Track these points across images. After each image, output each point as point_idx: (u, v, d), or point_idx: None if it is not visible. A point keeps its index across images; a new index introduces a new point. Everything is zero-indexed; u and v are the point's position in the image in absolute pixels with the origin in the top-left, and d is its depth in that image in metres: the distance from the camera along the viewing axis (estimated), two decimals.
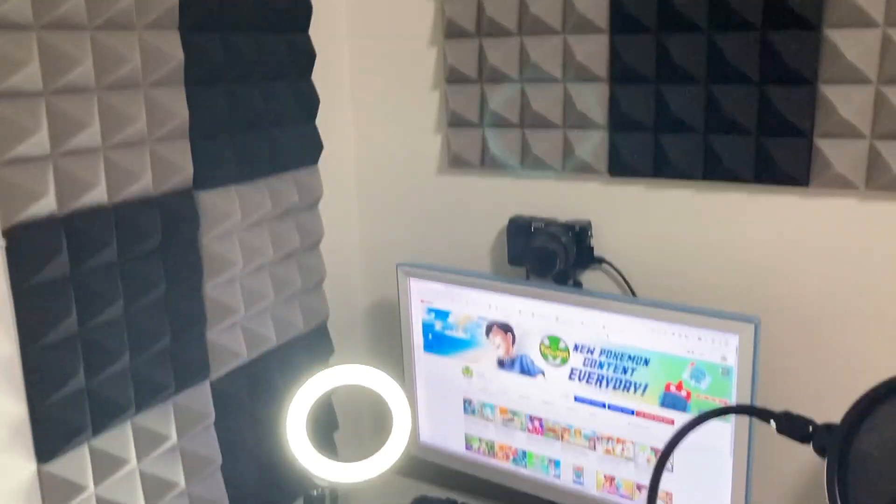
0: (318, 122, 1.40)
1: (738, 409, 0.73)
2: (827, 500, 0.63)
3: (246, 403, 1.30)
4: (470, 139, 1.42)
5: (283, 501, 1.38)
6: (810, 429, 0.66)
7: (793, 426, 0.67)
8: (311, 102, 1.38)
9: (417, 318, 1.40)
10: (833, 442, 0.64)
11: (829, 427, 0.64)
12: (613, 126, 1.29)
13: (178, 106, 1.12)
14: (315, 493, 1.28)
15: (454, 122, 1.43)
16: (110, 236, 1.04)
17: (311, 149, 1.39)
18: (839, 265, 1.18)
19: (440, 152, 1.49)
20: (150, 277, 1.11)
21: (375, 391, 1.28)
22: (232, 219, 1.22)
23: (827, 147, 1.14)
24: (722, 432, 1.14)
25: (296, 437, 1.23)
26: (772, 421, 0.69)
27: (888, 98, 1.08)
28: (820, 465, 1.24)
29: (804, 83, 1.13)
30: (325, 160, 1.42)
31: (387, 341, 1.62)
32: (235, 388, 1.27)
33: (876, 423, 0.63)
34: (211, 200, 1.19)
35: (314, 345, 1.45)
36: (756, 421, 1.13)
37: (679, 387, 1.17)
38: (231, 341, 1.26)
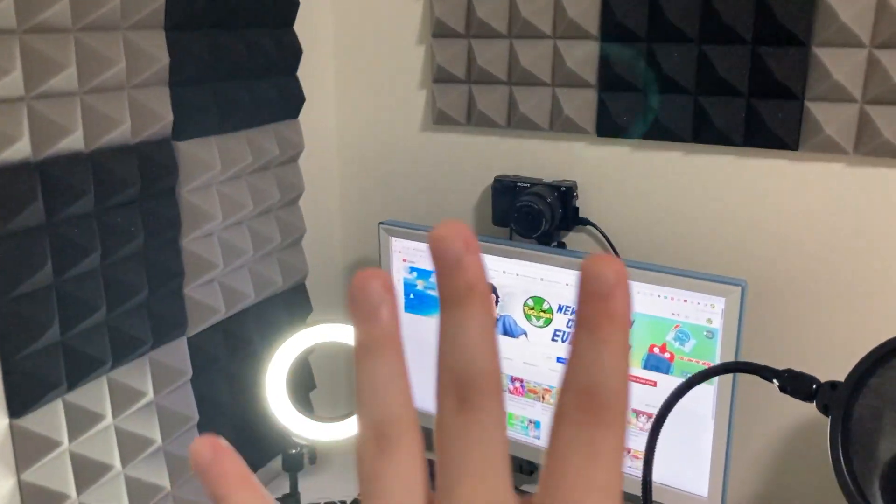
0: (300, 74, 1.36)
1: (741, 367, 0.73)
2: (830, 458, 0.63)
3: (223, 360, 1.27)
4: (456, 95, 1.39)
5: (260, 460, 1.36)
6: (814, 387, 0.66)
7: (796, 384, 0.67)
8: (293, 54, 1.34)
9: (399, 277, 1.38)
10: (837, 400, 0.63)
11: (833, 385, 0.64)
12: (603, 85, 1.27)
13: (158, 50, 1.08)
14: (293, 451, 1.26)
15: (440, 77, 1.39)
16: (87, 185, 1.00)
17: (292, 101, 1.36)
18: (827, 230, 1.18)
19: (425, 108, 1.46)
20: (128, 229, 1.07)
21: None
22: (211, 170, 1.19)
23: (818, 111, 1.13)
24: (705, 395, 1.15)
25: (274, 396, 1.21)
26: (774, 380, 0.68)
27: (881, 62, 1.08)
28: (798, 426, 1.26)
29: (798, 45, 1.12)
30: (306, 114, 1.39)
31: None
32: (213, 345, 1.25)
33: (881, 381, 0.63)
34: (190, 151, 1.15)
35: (293, 303, 1.42)
36: (738, 383, 1.14)
37: (663, 349, 1.17)
38: (209, 297, 1.23)
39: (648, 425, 1.21)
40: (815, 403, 0.65)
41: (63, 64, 0.95)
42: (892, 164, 1.12)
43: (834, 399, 0.63)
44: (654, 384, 1.20)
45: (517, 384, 1.32)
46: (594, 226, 1.34)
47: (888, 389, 0.64)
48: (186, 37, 1.12)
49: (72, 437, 1.03)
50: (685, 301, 1.14)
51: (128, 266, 1.08)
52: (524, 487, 1.34)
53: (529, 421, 1.33)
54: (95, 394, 1.06)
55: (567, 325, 1.24)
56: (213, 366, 1.25)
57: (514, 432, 1.35)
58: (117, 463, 1.10)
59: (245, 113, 1.25)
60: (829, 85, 1.11)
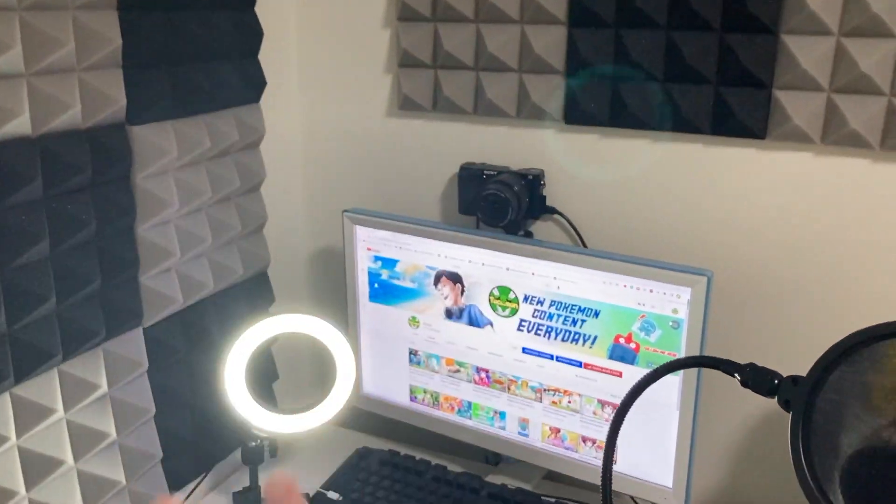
0: (262, 58, 1.33)
1: (702, 361, 0.71)
2: (790, 454, 0.62)
3: (181, 352, 1.24)
4: (422, 81, 1.36)
5: (220, 453, 1.33)
6: (775, 382, 0.65)
7: (757, 379, 0.66)
8: (253, 36, 1.30)
9: (363, 266, 1.35)
10: (798, 395, 0.62)
11: (795, 380, 0.63)
12: (570, 72, 1.25)
13: (110, 31, 1.04)
14: (253, 444, 1.24)
15: (406, 62, 1.37)
16: (35, 171, 0.96)
17: (252, 85, 1.32)
18: (794, 220, 1.18)
19: (390, 94, 1.43)
20: (79, 216, 1.03)
21: (317, 341, 1.24)
22: (167, 156, 1.15)
23: (785, 99, 1.12)
24: (670, 385, 1.14)
25: (234, 388, 1.18)
26: (736, 374, 0.67)
27: (848, 50, 1.07)
28: (763, 418, 1.26)
29: (766, 32, 1.11)
30: (267, 98, 1.35)
31: (330, 290, 1.58)
32: (170, 336, 1.21)
33: (843, 376, 0.61)
34: (145, 136, 1.12)
35: (254, 292, 1.39)
36: (704, 375, 1.13)
37: (628, 339, 1.16)
38: (165, 286, 1.19)
39: (611, 415, 1.20)
40: (776, 398, 0.64)
41: (7, 44, 0.91)
42: (859, 154, 1.12)
43: (795, 394, 0.62)
44: (620, 375, 1.18)
45: (482, 375, 1.30)
46: (561, 214, 1.32)
47: (850, 385, 0.62)
48: (140, 17, 1.08)
49: (20, 432, 1.00)
50: (651, 291, 1.12)
51: (79, 255, 1.05)
52: (489, 478, 1.33)
53: (494, 412, 1.31)
54: (45, 387, 1.03)
55: (532, 315, 1.22)
56: (170, 357, 1.22)
57: (479, 423, 1.33)
58: (69, 458, 1.06)
59: (203, 97, 1.21)
60: (797, 73, 1.10)
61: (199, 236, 1.24)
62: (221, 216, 1.29)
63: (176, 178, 1.18)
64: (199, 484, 1.30)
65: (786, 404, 0.63)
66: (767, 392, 0.65)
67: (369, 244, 1.34)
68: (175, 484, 1.25)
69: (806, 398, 0.61)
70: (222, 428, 1.30)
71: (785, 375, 0.66)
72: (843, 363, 0.62)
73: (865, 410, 0.63)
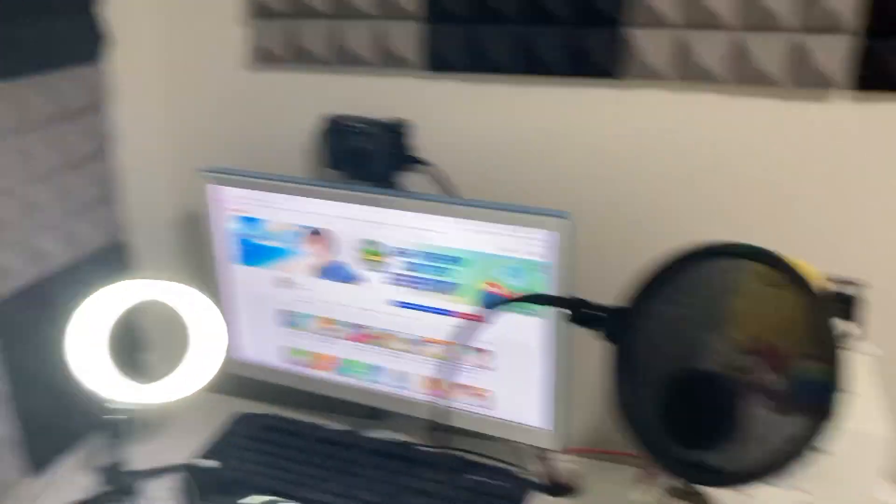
0: (111, 11, 1.25)
1: (531, 299, 0.71)
2: (614, 384, 0.62)
3: (33, 327, 1.17)
4: (277, 31, 1.31)
5: (85, 430, 1.28)
6: (602, 314, 0.64)
7: (586, 314, 0.65)
8: None
9: (227, 227, 1.30)
10: (619, 327, 0.62)
11: (617, 311, 0.63)
12: (428, 16, 1.22)
13: None
14: (112, 417, 1.18)
15: (260, 13, 1.31)
16: None
17: (94, 41, 1.24)
18: (653, 157, 1.18)
19: (247, 46, 1.37)
20: None
21: (172, 307, 1.19)
22: None
23: (638, 37, 1.12)
24: (529, 327, 1.14)
25: (82, 359, 1.12)
26: (564, 308, 0.67)
27: None
28: None
29: None
30: (120, 55, 1.27)
31: (197, 255, 1.52)
32: (18, 311, 1.15)
33: (668, 302, 0.61)
34: None
35: (111, 262, 1.33)
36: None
37: (496, 285, 1.15)
38: (7, 260, 1.12)
39: (485, 361, 1.20)
40: (602, 333, 0.64)
41: None
42: (712, 90, 1.13)
43: (616, 327, 0.62)
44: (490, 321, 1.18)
45: (357, 331, 1.28)
46: (428, 164, 1.30)
47: (673, 311, 0.62)
48: None
49: None
50: (513, 236, 1.11)
51: None
52: (372, 433, 1.31)
53: (371, 367, 1.29)
54: None
55: (402, 268, 1.20)
56: (20, 334, 1.15)
57: (358, 379, 1.31)
58: None
59: (38, 55, 1.14)
60: (646, 10, 1.10)
61: (43, 205, 1.17)
62: (69, 183, 1.22)
63: (10, 145, 1.11)
64: (57, 462, 1.24)
65: (609, 337, 0.63)
66: (594, 326, 0.65)
67: (232, 204, 1.29)
68: (38, 465, 1.19)
69: (625, 330, 0.61)
70: (86, 404, 1.24)
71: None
72: (666, 289, 0.62)
73: (687, 335, 0.63)
